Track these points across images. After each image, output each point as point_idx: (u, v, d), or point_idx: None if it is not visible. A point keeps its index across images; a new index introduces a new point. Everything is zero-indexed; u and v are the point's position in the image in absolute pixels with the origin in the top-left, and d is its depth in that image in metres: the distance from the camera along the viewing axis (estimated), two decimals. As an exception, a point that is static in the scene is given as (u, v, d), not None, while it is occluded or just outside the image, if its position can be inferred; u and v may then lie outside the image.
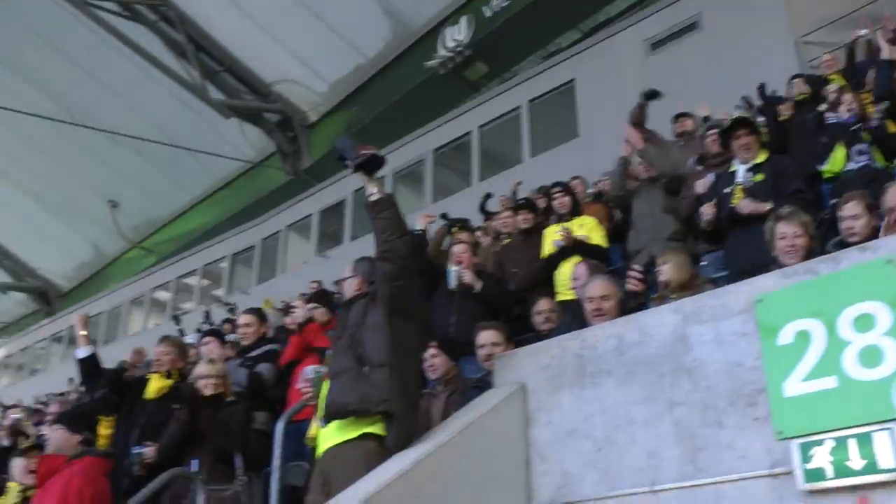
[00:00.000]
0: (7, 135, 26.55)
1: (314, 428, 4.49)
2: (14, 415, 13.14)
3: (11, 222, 30.57)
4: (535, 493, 4.06)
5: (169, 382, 6.64)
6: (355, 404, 4.07)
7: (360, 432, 4.07)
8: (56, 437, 5.56)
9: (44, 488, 5.24)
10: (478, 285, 6.88)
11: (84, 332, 7.04)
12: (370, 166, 4.29)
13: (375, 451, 3.99)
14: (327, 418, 4.19)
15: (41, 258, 31.81)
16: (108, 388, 6.80)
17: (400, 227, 4.32)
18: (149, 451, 5.80)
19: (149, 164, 25.85)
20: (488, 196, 11.84)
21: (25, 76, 25.28)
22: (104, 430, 6.66)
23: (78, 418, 5.85)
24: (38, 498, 5.22)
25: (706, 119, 8.99)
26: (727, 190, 6.01)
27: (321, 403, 4.32)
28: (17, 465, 6.16)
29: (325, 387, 4.32)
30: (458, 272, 6.89)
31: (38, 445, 6.39)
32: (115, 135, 24.20)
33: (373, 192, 4.33)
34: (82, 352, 6.91)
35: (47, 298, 32.24)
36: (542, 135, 16.38)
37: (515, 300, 7.15)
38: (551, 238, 7.49)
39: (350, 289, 4.69)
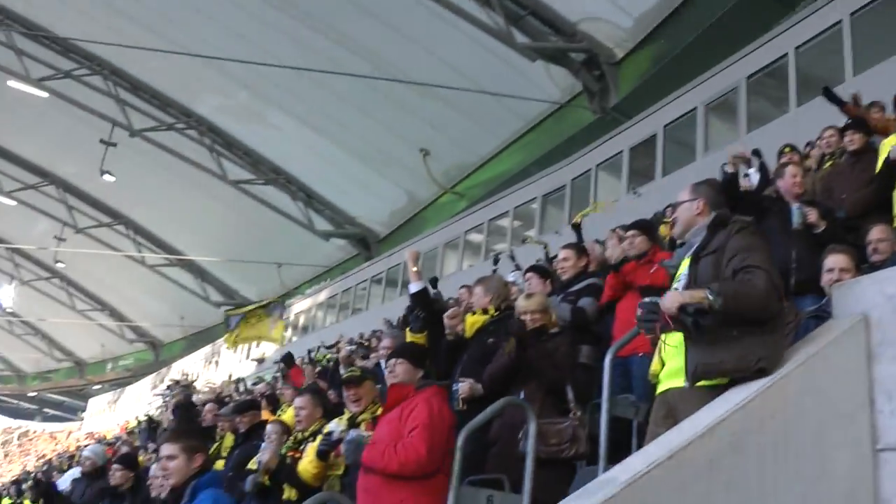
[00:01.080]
0: (325, 95, 28.33)
1: (656, 364, 4.49)
2: (348, 346, 14.13)
3: (331, 175, 32.71)
4: (881, 435, 3.89)
5: (483, 318, 6.84)
6: (731, 363, 3.97)
7: (717, 382, 4.03)
8: (400, 370, 5.76)
9: (391, 413, 5.51)
10: (822, 225, 6.39)
11: (416, 268, 7.40)
12: None
13: None
14: (695, 378, 4.10)
15: (359, 207, 33.79)
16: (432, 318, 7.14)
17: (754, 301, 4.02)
18: (463, 386, 6.03)
19: (457, 111, 26.66)
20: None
21: (338, 40, 26.75)
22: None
23: (419, 353, 6.02)
24: (386, 420, 5.50)
25: None
26: None
27: (670, 351, 4.29)
28: (344, 395, 6.49)
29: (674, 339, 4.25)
30: (802, 210, 6.46)
31: (359, 377, 6.75)
32: (424, 86, 25.15)
33: None
34: (415, 286, 7.29)
35: (366, 243, 34.26)
36: (867, 49, 15.29)
37: (846, 228, 6.68)
38: (888, 147, 6.89)
39: (688, 213, 4.51)
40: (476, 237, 26.97)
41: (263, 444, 7.16)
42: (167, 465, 5.01)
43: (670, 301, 4.02)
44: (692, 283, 4.25)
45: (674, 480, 3.39)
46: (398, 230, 32.98)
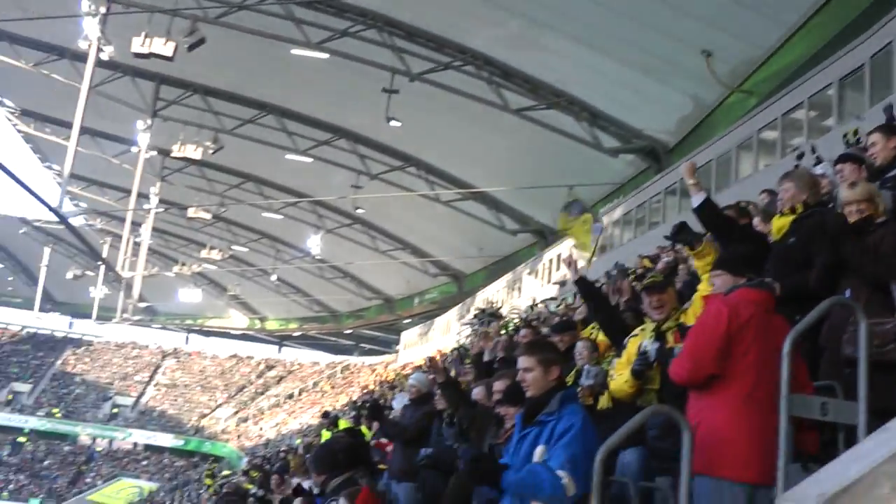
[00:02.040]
0: (598, 10, 28.19)
1: None
2: (665, 257, 14.32)
3: (613, 91, 32.49)
4: None
5: (789, 219, 6.60)
6: None
7: None
8: (719, 282, 5.52)
9: None
10: None
11: (693, 181, 7.09)
12: None
13: None
14: None
15: (644, 119, 33.39)
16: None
17: None
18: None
19: (738, 4, 25.71)
20: None
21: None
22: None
23: (741, 260, 5.67)
24: None
25: None
26: None
27: None
28: (644, 302, 6.61)
29: None
30: None
31: (661, 283, 6.75)
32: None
33: None
34: (696, 199, 7.00)
35: (655, 155, 33.93)
36: None
37: None
38: None
39: None
40: (770, 134, 26.19)
41: (586, 367, 7.41)
42: (525, 377, 5.11)
43: None
44: None
45: None
46: (687, 138, 32.37)
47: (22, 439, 79.40)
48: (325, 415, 23.72)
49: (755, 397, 4.76)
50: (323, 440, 17.13)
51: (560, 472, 4.58)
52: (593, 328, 9.31)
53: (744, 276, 5.33)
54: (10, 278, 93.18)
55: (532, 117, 34.81)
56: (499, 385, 7.43)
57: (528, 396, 5.13)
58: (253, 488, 20.45)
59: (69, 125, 36.67)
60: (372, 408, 13.01)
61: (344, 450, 8.30)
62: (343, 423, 19.65)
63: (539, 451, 4.81)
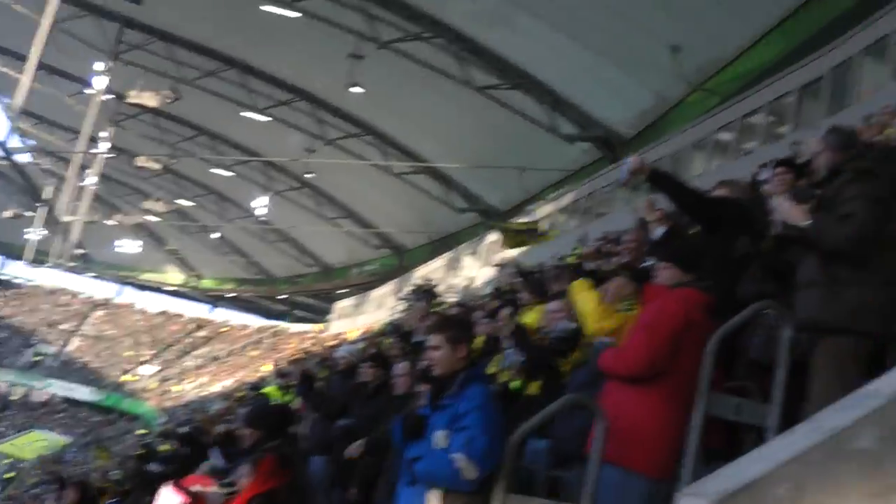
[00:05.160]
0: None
1: None
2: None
3: (578, 78, 32.51)
4: None
5: None
6: None
7: None
8: (665, 275, 5.28)
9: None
10: None
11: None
12: None
13: None
14: None
15: (606, 109, 33.43)
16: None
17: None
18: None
19: (711, 1, 26.00)
20: None
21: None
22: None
23: (692, 256, 5.43)
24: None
25: None
26: None
27: None
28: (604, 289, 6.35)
29: None
30: None
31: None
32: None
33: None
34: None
35: (610, 145, 34.08)
36: None
37: None
38: None
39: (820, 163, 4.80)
40: (725, 136, 26.40)
41: (507, 351, 7.32)
42: (432, 356, 4.92)
43: None
44: None
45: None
46: (644, 132, 32.42)
47: (-70, 380, 76.97)
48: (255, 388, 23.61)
49: (678, 395, 4.76)
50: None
51: (455, 456, 4.51)
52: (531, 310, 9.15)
53: (693, 273, 5.22)
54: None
55: (495, 96, 34.76)
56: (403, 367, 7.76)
57: (433, 376, 4.96)
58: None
59: (24, 58, 35.92)
60: (303, 378, 12.64)
61: (278, 413, 8.14)
62: (271, 390, 19.27)
63: (439, 436, 4.70)
